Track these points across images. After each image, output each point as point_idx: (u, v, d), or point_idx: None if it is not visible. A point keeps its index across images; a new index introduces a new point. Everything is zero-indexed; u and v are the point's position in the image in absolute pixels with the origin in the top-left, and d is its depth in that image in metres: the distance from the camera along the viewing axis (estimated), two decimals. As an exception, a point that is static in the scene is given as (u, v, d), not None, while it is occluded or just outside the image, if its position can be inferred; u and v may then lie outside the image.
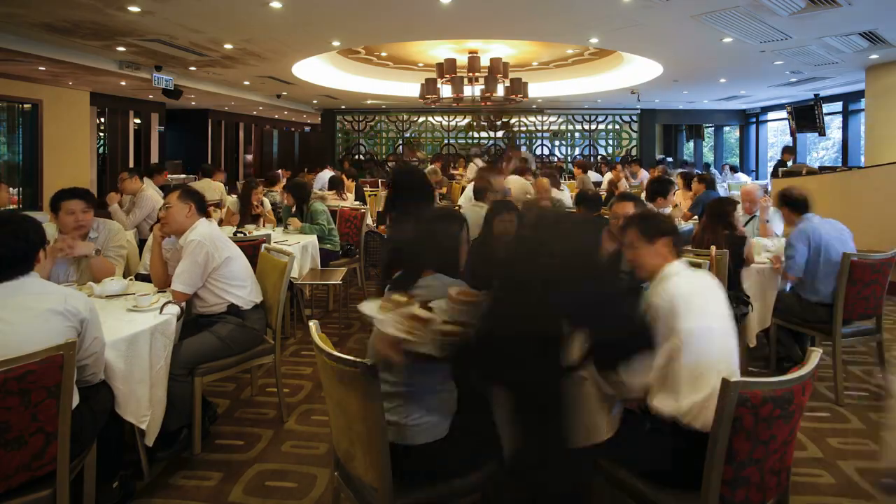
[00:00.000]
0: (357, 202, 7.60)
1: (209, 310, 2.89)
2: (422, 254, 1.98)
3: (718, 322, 1.90)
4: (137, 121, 13.64)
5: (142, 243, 4.99)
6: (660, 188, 4.87)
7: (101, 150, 12.70)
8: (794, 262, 3.50)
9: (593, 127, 15.89)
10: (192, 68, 9.29)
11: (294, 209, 5.34)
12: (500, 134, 16.30)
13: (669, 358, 1.84)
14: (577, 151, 16.06)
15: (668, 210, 4.76)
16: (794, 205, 3.65)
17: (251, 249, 3.58)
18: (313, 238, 4.91)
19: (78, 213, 3.00)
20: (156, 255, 2.97)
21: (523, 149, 15.02)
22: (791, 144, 11.34)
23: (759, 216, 4.40)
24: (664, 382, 1.87)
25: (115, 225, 3.26)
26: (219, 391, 3.45)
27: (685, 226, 5.04)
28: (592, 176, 10.63)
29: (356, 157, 16.47)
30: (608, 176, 10.15)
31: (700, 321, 1.84)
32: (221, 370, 2.82)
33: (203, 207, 2.93)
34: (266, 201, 5.68)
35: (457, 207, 6.72)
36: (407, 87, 12.07)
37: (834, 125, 13.15)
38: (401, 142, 16.63)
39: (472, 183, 5.60)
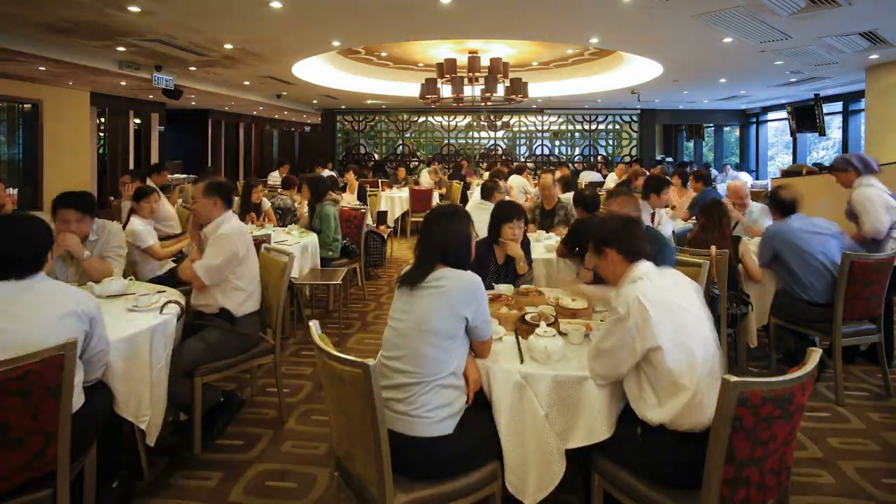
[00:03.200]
0: (358, 202, 7.60)
1: (202, 308, 2.90)
2: (431, 252, 2.01)
3: (690, 322, 1.83)
4: (137, 121, 13.63)
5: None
6: (655, 185, 4.85)
7: (101, 151, 12.70)
8: (760, 258, 3.70)
9: (593, 127, 15.90)
10: (192, 68, 9.29)
11: (307, 205, 5.33)
12: (500, 134, 16.31)
13: (647, 362, 1.82)
14: (577, 151, 16.07)
15: (662, 209, 4.74)
16: (779, 206, 3.68)
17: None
18: (313, 238, 4.91)
19: (72, 223, 2.95)
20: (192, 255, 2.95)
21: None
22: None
23: (745, 216, 4.41)
24: (644, 390, 1.85)
25: (115, 226, 3.25)
26: (219, 391, 3.45)
27: (684, 226, 5.04)
28: (592, 175, 10.65)
29: (365, 155, 16.49)
30: (612, 176, 10.16)
31: (669, 327, 1.78)
32: (221, 370, 2.82)
33: (230, 199, 2.98)
34: (266, 201, 5.69)
35: None
36: (407, 87, 12.08)
37: (834, 125, 13.15)
38: (401, 142, 16.64)
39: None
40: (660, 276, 1.94)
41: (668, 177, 7.73)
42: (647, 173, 9.22)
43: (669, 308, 1.82)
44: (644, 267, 1.96)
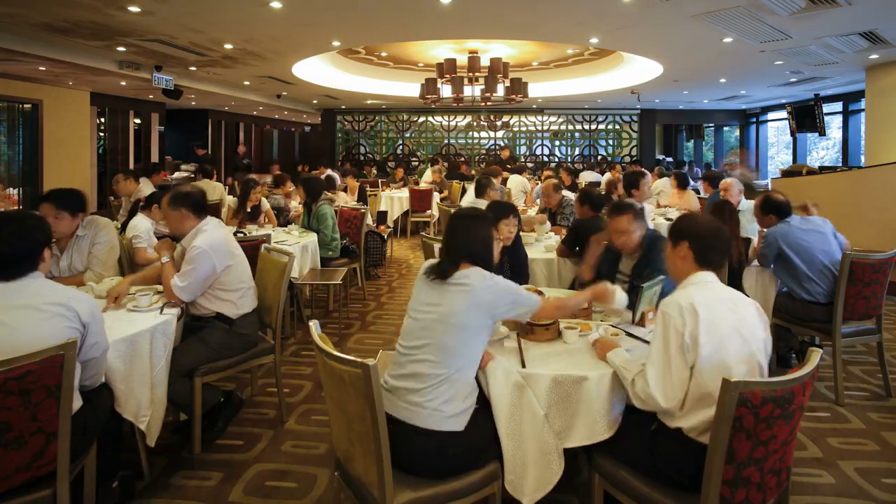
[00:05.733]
0: (358, 202, 7.60)
1: (199, 312, 2.88)
2: (462, 248, 2.05)
3: (739, 337, 1.78)
4: (137, 121, 13.63)
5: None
6: (632, 181, 4.87)
7: (101, 150, 12.70)
8: (765, 260, 3.68)
9: (593, 127, 15.89)
10: (192, 68, 9.29)
11: (303, 205, 5.30)
12: (500, 134, 16.30)
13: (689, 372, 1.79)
14: (577, 151, 16.07)
15: (644, 203, 4.76)
16: (776, 209, 3.69)
17: (251, 249, 3.57)
18: (313, 238, 4.91)
19: (49, 217, 2.83)
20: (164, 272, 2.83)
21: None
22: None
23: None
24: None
25: (105, 220, 3.22)
26: (219, 391, 3.44)
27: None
28: (590, 175, 10.64)
29: (365, 155, 16.51)
30: (607, 176, 10.16)
31: (712, 338, 1.75)
32: (221, 370, 2.82)
33: (200, 206, 2.87)
34: (265, 202, 5.68)
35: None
36: (407, 87, 12.07)
37: (834, 125, 13.15)
38: (401, 142, 16.63)
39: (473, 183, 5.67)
40: (720, 288, 1.90)
41: (666, 176, 7.73)
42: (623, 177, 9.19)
43: (717, 319, 1.77)
44: (708, 276, 1.92)
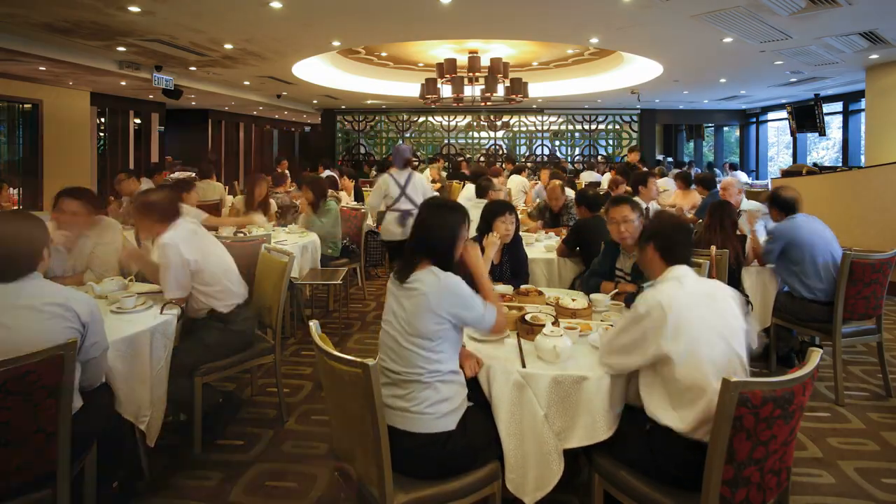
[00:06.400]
0: (357, 202, 7.60)
1: (194, 314, 2.87)
2: (416, 244, 1.99)
3: (716, 333, 1.80)
4: (137, 121, 13.63)
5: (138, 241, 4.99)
6: (640, 179, 5.00)
7: (101, 150, 12.70)
8: (770, 255, 3.67)
9: (593, 127, 15.89)
10: (192, 68, 9.29)
11: (310, 205, 5.29)
12: (500, 134, 16.31)
13: (661, 367, 1.81)
14: (577, 151, 16.07)
15: (649, 203, 4.83)
16: (783, 205, 3.72)
17: (251, 249, 3.57)
18: (314, 238, 4.90)
19: (67, 213, 2.92)
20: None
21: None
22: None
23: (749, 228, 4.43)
24: (656, 391, 1.85)
25: (109, 220, 3.23)
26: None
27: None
28: (590, 175, 10.64)
29: (365, 155, 16.53)
30: (607, 176, 10.14)
31: (684, 338, 1.76)
32: (221, 370, 2.82)
33: (167, 213, 2.78)
34: (272, 202, 5.68)
35: None
36: (407, 87, 12.08)
37: (834, 125, 13.15)
38: (401, 142, 16.62)
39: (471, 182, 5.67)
40: (695, 283, 1.92)
41: (667, 176, 7.73)
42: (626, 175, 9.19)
43: (690, 318, 1.79)
44: (682, 270, 1.95)
